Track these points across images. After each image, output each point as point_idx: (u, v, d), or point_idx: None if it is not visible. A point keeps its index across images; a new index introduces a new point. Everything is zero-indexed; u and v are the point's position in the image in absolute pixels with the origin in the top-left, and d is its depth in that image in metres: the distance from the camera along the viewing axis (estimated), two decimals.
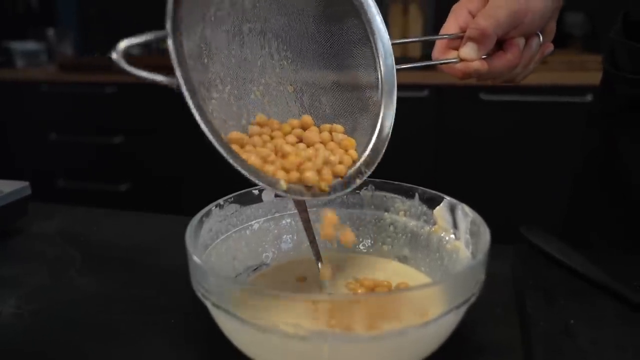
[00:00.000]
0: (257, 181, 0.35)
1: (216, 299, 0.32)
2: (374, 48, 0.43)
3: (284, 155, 0.37)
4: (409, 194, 0.46)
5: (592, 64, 1.49)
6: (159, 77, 0.32)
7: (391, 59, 0.42)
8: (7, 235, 0.59)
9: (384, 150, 0.40)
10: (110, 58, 0.31)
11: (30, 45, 2.12)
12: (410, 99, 1.59)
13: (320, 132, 0.41)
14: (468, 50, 0.45)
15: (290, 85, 0.42)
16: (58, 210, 0.67)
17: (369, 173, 0.39)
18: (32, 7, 2.29)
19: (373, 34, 0.42)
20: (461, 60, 0.46)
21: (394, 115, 0.42)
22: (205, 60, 0.36)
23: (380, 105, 0.42)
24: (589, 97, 1.46)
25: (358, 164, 0.40)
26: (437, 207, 0.44)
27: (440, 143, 1.65)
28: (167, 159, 1.91)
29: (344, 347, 0.31)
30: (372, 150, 0.40)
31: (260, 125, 0.39)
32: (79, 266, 0.53)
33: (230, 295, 0.32)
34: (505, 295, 0.46)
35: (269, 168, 0.36)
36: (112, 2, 2.22)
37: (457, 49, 0.47)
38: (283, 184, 0.35)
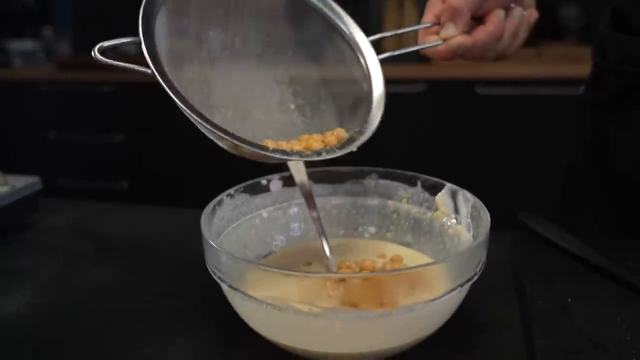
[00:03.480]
0: (241, 144, 0.35)
1: (232, 281, 0.34)
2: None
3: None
4: (411, 182, 0.48)
5: (586, 56, 1.50)
6: (133, 66, 0.34)
7: (367, 43, 0.44)
8: (19, 229, 0.61)
9: (378, 120, 0.41)
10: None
11: (27, 45, 2.12)
12: (407, 94, 1.61)
13: (325, 138, 0.41)
14: (447, 30, 0.47)
15: (292, 103, 0.44)
16: (66, 205, 0.69)
17: (364, 140, 0.40)
18: (28, 6, 2.29)
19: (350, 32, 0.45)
20: (444, 41, 0.47)
21: (382, 83, 0.43)
22: (206, 91, 0.39)
23: (370, 85, 0.43)
24: (583, 90, 1.48)
25: (351, 132, 0.40)
26: (439, 194, 0.46)
27: (437, 136, 1.67)
28: (166, 157, 1.92)
29: (354, 323, 0.32)
30: (368, 122, 0.41)
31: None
32: (90, 258, 0.55)
33: (245, 277, 0.34)
34: (505, 278, 0.47)
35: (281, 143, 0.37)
36: (107, 0, 2.23)
37: (437, 34, 0.48)
38: (270, 144, 0.36)
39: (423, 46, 0.48)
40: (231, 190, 0.45)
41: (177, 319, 0.43)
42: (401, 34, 0.50)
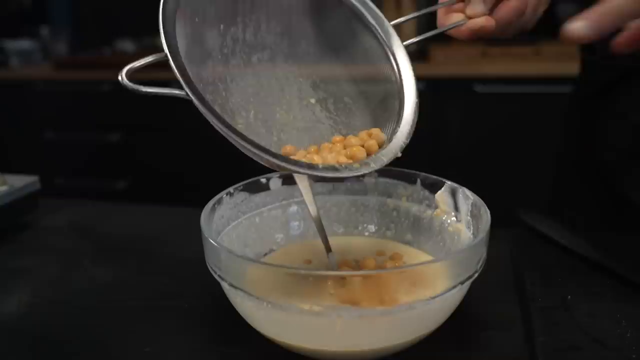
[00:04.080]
0: (292, 167, 0.34)
1: (232, 280, 0.34)
2: (374, 29, 0.43)
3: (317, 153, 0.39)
4: (411, 180, 0.47)
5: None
6: (175, 91, 0.32)
7: (396, 39, 0.42)
8: (18, 229, 0.61)
9: (416, 119, 0.40)
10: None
11: (24, 44, 2.11)
12: None
13: (363, 142, 0.40)
14: (474, 7, 0.45)
15: (312, 97, 0.43)
16: (65, 205, 0.69)
17: (407, 142, 0.38)
18: (25, 5, 2.28)
19: (375, 19, 0.43)
20: (469, 18, 0.45)
21: (414, 82, 0.41)
22: (224, 94, 0.38)
23: (399, 78, 0.42)
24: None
25: (394, 136, 0.39)
26: (439, 192, 0.45)
27: (436, 134, 1.67)
28: (165, 156, 1.92)
29: (355, 321, 0.32)
30: (404, 120, 0.40)
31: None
32: (91, 257, 0.55)
33: (246, 275, 0.34)
34: (505, 275, 0.47)
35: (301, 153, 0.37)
36: None
37: (461, 11, 0.46)
38: (320, 164, 0.35)
39: (448, 27, 0.45)
40: (231, 189, 0.45)
41: (177, 318, 0.43)
42: (423, 14, 0.47)
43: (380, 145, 0.39)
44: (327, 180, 0.36)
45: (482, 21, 0.45)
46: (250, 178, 0.47)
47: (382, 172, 0.49)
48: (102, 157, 2.01)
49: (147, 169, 1.96)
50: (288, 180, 0.48)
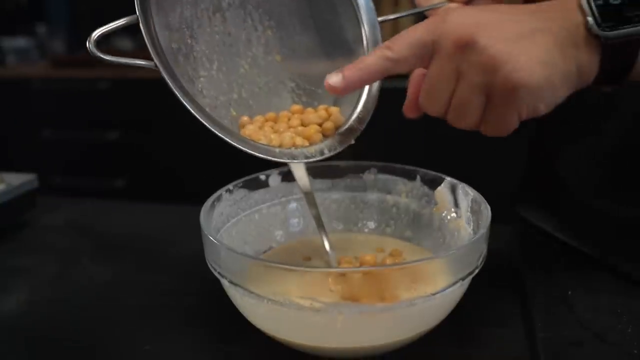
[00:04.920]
0: (252, 151, 0.36)
1: (232, 277, 0.34)
2: (354, 4, 0.42)
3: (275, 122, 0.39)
4: (410, 176, 0.47)
5: None
6: (139, 61, 0.33)
7: (373, 13, 0.42)
8: (17, 227, 0.60)
9: (374, 107, 0.41)
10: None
11: (21, 42, 2.11)
12: (403, 89, 1.60)
13: (321, 120, 0.41)
14: None
15: (278, 54, 0.42)
16: (63, 203, 0.69)
17: (361, 129, 0.40)
18: (21, 3, 2.27)
19: None
20: (450, 2, 0.43)
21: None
22: (189, 41, 0.37)
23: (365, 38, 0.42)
24: None
25: (351, 120, 0.40)
26: (439, 188, 0.45)
27: (434, 131, 1.67)
28: (164, 153, 1.92)
29: (356, 318, 0.32)
30: (363, 106, 0.41)
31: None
32: (90, 255, 0.55)
33: (246, 272, 0.33)
34: (505, 271, 0.47)
35: (260, 134, 0.37)
36: None
37: None
38: (277, 148, 0.37)
39: (426, 8, 0.43)
40: (230, 186, 0.44)
41: (177, 316, 0.43)
42: None
43: (337, 128, 0.40)
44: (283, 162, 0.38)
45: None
46: (249, 175, 0.47)
47: (381, 169, 0.49)
48: (100, 155, 2.00)
49: (146, 167, 1.96)
50: (287, 177, 0.47)
